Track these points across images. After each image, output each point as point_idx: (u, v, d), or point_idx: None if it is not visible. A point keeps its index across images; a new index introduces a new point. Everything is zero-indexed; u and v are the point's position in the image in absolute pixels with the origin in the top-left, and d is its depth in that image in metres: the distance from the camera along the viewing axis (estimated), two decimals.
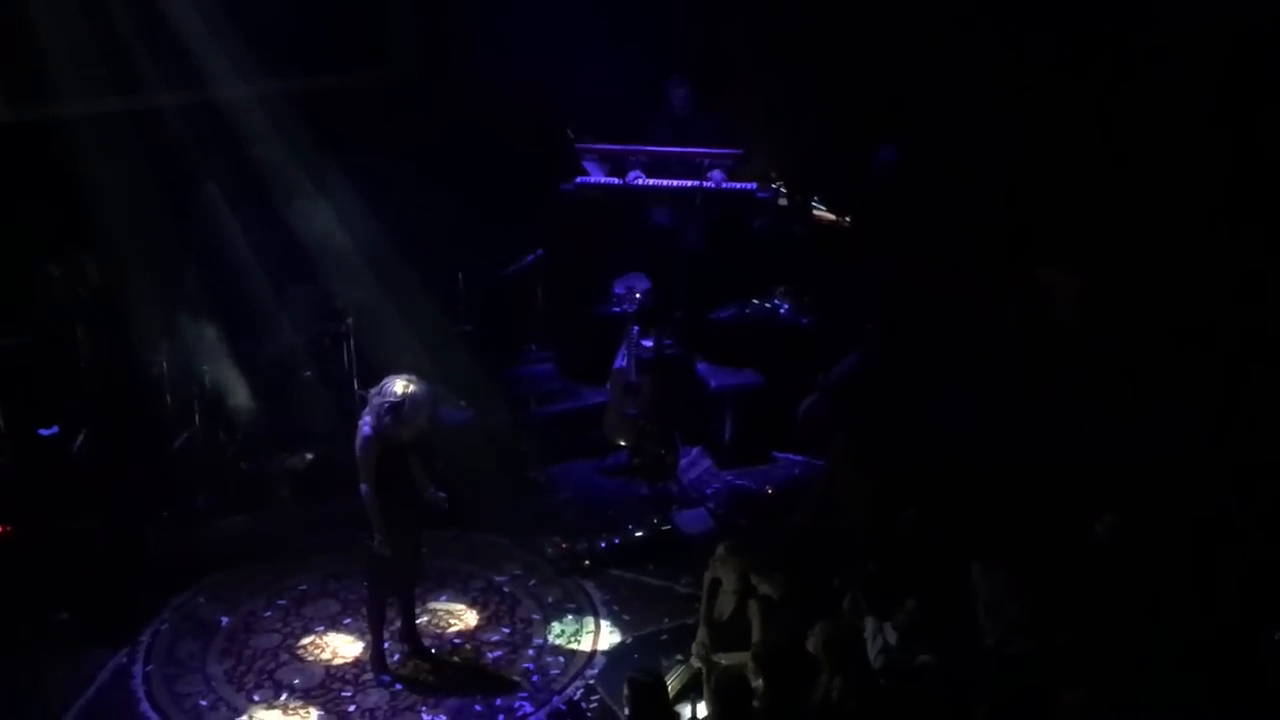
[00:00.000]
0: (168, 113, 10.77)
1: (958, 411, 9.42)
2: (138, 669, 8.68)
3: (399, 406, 7.82)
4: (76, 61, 10.56)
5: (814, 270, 11.45)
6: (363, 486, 7.96)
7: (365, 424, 7.97)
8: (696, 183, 11.01)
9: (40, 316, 10.12)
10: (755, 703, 6.85)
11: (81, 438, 9.88)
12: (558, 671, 8.55)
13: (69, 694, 8.41)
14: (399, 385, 7.89)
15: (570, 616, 9.07)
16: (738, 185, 11.21)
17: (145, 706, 8.35)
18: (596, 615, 9.09)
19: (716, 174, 11.12)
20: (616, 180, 11.27)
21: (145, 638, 8.97)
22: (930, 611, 7.26)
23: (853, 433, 9.40)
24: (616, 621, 9.00)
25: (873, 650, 7.31)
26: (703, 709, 7.55)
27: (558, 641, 8.80)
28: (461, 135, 11.39)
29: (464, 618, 9.09)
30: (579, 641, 8.79)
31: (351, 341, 10.57)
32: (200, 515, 10.09)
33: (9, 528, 9.24)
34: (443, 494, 8.26)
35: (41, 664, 8.53)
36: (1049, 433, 9.19)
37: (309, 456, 10.32)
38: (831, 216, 11.45)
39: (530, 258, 11.53)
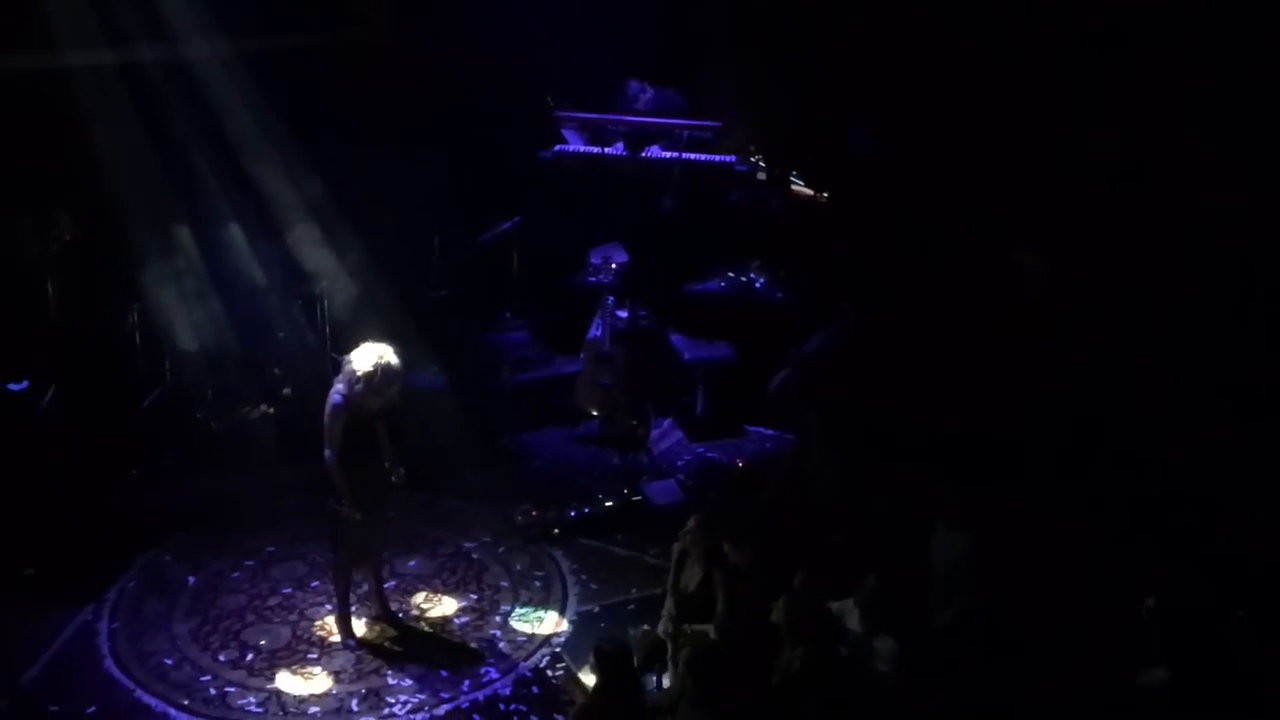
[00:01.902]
0: (147, 68, 10.70)
1: (925, 387, 9.44)
2: (103, 626, 8.66)
3: (371, 376, 7.79)
4: (58, 12, 10.44)
5: (790, 245, 11.47)
6: (328, 453, 7.93)
7: (336, 391, 7.93)
8: (675, 154, 10.98)
9: (9, 269, 10.06)
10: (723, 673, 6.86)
11: (51, 393, 9.84)
12: (524, 639, 8.57)
13: (33, 649, 8.38)
14: (373, 355, 7.85)
15: (538, 584, 9.09)
16: (716, 158, 11.18)
17: (110, 664, 8.33)
18: (564, 583, 9.10)
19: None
20: (595, 149, 11.23)
21: (111, 595, 8.96)
22: (892, 589, 7.28)
23: (823, 408, 9.40)
24: (584, 589, 9.03)
25: None
26: (667, 678, 7.58)
27: (524, 615, 8.80)
28: (439, 99, 11.32)
29: (432, 584, 9.10)
30: (543, 616, 8.81)
31: (325, 303, 10.55)
32: (169, 474, 10.08)
33: None
34: (402, 469, 8.23)
35: (5, 619, 8.55)
36: (1019, 412, 9.22)
37: (267, 409, 10.36)
38: (809, 192, 11.44)
39: (506, 225, 11.51)
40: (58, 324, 10.08)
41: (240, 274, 10.64)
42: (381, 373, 7.82)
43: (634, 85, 11.48)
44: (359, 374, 7.81)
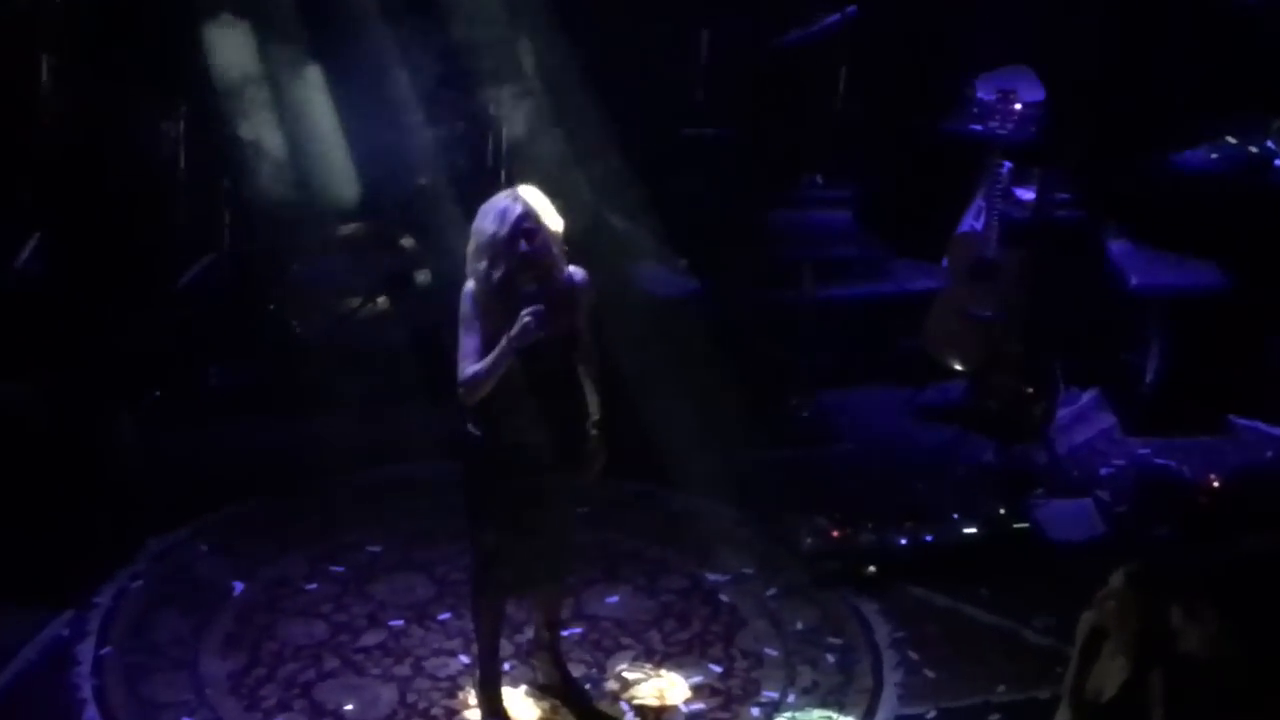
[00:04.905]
0: None
1: None
2: (86, 650, 8.90)
3: (484, 229, 7.90)
4: None
5: None
6: (464, 367, 7.94)
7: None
8: None
9: None
10: None
11: (31, 247, 10.25)
12: None
13: None
14: (498, 198, 8.04)
15: (831, 660, 9.12)
16: None
17: (92, 714, 8.51)
18: (877, 662, 9.11)
19: None
20: None
21: (103, 599, 9.24)
22: None
23: None
24: (912, 677, 8.99)
25: None
26: None
27: (803, 713, 8.77)
28: None
29: (645, 639, 9.19)
30: (835, 718, 8.77)
31: (501, 135, 10.88)
32: (214, 401, 10.47)
33: None
34: (594, 434, 8.15)
35: None
36: None
37: (387, 305, 10.79)
38: None
39: (833, 19, 11.66)
40: (51, 131, 10.45)
41: (366, 74, 10.96)
42: (501, 218, 7.89)
43: None
44: (472, 230, 7.98)
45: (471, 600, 8.67)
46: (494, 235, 7.85)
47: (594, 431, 8.18)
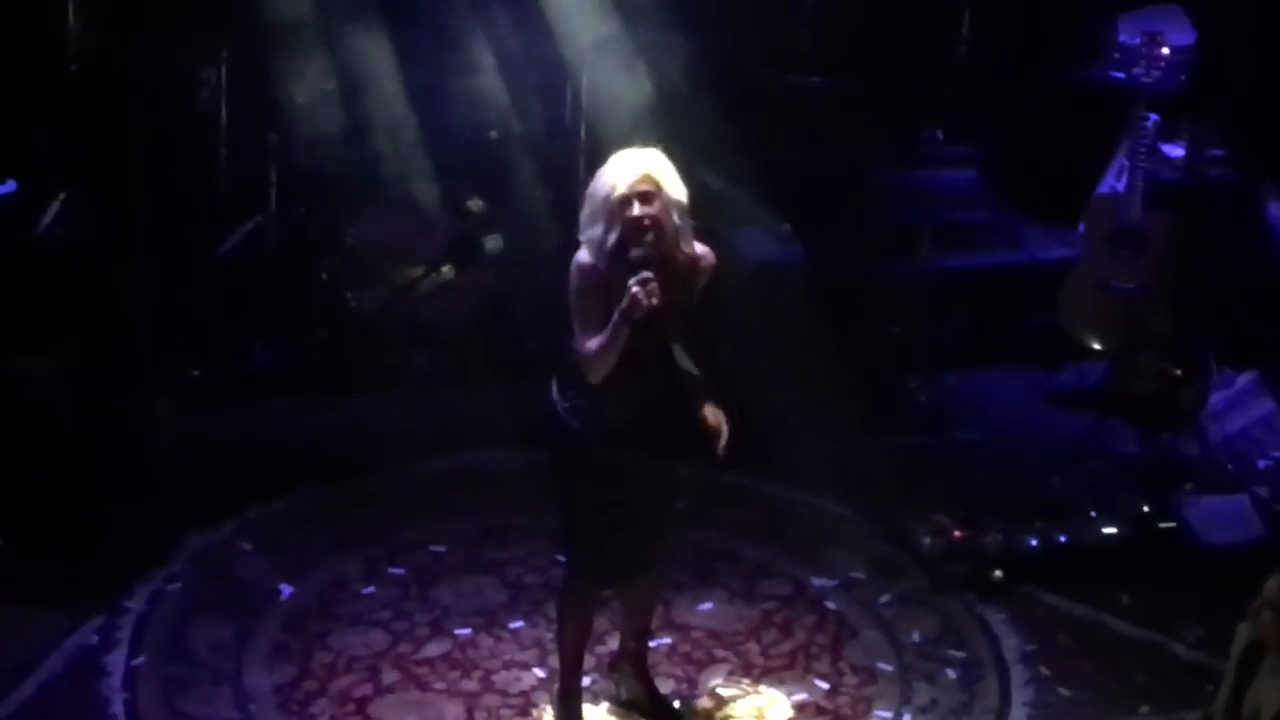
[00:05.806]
0: None
1: None
2: (117, 660, 8.83)
3: (598, 190, 7.93)
4: None
5: None
6: (581, 343, 7.95)
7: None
8: None
9: None
10: None
11: (56, 209, 10.18)
12: None
13: None
14: (612, 161, 8.06)
15: (951, 675, 8.96)
16: None
17: None
18: (1004, 679, 8.97)
19: None
20: None
21: (136, 603, 9.17)
22: None
23: None
24: (1044, 695, 8.86)
25: None
26: None
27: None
28: None
29: (742, 652, 9.10)
30: None
31: (582, 83, 10.80)
32: (260, 382, 10.45)
33: None
34: (719, 417, 8.04)
35: None
36: None
37: (452, 275, 10.77)
38: None
39: None
40: (77, 80, 10.47)
41: (430, 16, 11.04)
42: (617, 179, 7.88)
43: None
44: (587, 194, 8.02)
45: (559, 599, 8.65)
46: (607, 197, 7.92)
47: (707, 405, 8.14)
